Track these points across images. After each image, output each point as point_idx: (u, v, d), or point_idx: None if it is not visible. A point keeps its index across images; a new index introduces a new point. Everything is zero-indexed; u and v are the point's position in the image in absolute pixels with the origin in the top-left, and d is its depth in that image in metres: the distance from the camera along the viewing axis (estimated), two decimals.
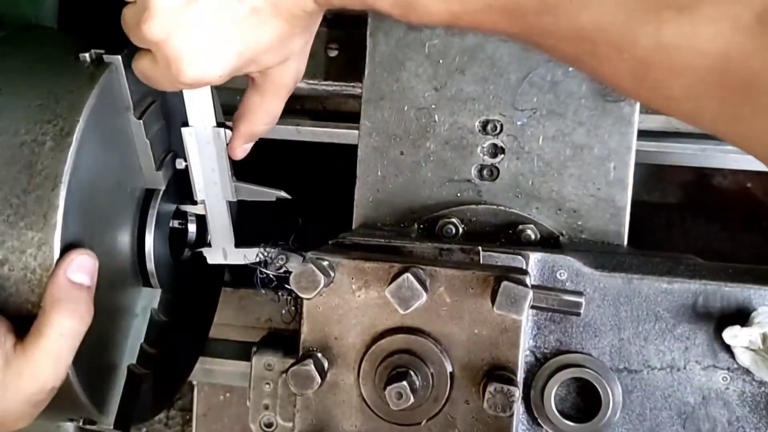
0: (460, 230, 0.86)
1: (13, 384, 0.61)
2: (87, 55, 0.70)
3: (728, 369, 0.72)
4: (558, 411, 0.72)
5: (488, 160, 0.87)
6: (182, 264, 0.88)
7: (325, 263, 0.67)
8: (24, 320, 0.63)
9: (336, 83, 1.02)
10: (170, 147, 0.81)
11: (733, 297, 0.71)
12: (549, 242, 0.85)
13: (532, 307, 0.65)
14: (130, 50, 0.71)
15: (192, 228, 0.89)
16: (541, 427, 0.73)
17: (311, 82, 1.02)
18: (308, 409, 0.72)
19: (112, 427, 0.75)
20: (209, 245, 0.84)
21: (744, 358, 0.69)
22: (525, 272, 0.68)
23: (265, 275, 0.78)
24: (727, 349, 0.71)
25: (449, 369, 0.69)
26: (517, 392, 0.65)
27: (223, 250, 0.84)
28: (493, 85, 0.86)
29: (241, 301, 1.16)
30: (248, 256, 0.81)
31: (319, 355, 0.70)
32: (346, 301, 0.70)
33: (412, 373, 0.67)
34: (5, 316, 0.64)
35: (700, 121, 0.54)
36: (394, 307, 0.64)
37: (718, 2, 0.49)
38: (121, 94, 0.72)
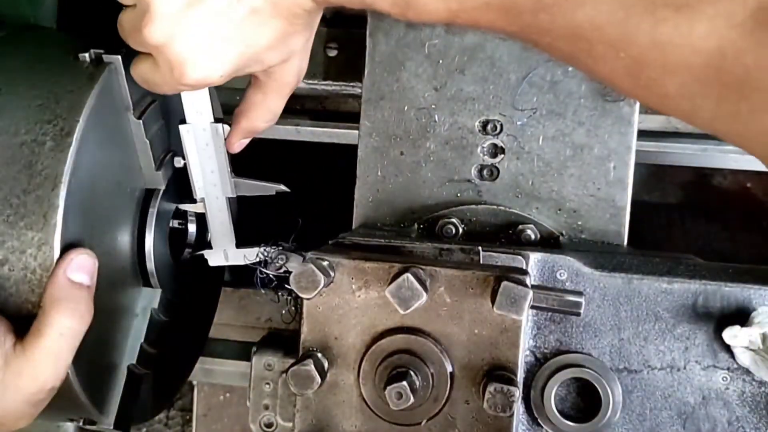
0: (460, 230, 0.86)
1: (13, 384, 0.61)
2: (87, 55, 0.70)
3: (728, 369, 0.72)
4: (558, 411, 0.72)
5: (488, 160, 0.87)
6: (182, 264, 0.88)
7: (325, 263, 0.67)
8: (24, 320, 0.63)
9: (336, 83, 1.02)
10: (170, 147, 0.81)
11: (733, 297, 0.71)
12: (549, 242, 0.85)
13: (532, 307, 0.65)
14: (129, 50, 0.71)
15: (192, 228, 0.89)
16: (541, 427, 0.73)
17: (311, 82, 1.02)
18: (308, 409, 0.72)
19: (112, 427, 0.75)
20: (210, 246, 0.84)
21: (744, 358, 0.69)
22: (525, 272, 0.68)
23: (265, 275, 0.78)
24: (727, 349, 0.71)
25: (449, 369, 0.69)
26: (517, 392, 0.65)
27: (224, 252, 0.84)
28: (493, 85, 0.86)
29: (241, 301, 1.16)
30: (248, 256, 0.81)
31: (319, 355, 0.70)
32: (346, 301, 0.70)
33: (412, 373, 0.67)
34: (5, 316, 0.64)
35: (696, 119, 0.54)
36: (394, 307, 0.64)
37: (714, 1, 0.50)
38: (120, 94, 0.72)
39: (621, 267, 0.75)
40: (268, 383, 0.83)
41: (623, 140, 0.84)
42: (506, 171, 0.86)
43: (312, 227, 0.80)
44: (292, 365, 0.68)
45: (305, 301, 0.70)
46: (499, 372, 0.67)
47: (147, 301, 0.80)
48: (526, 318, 0.71)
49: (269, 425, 0.83)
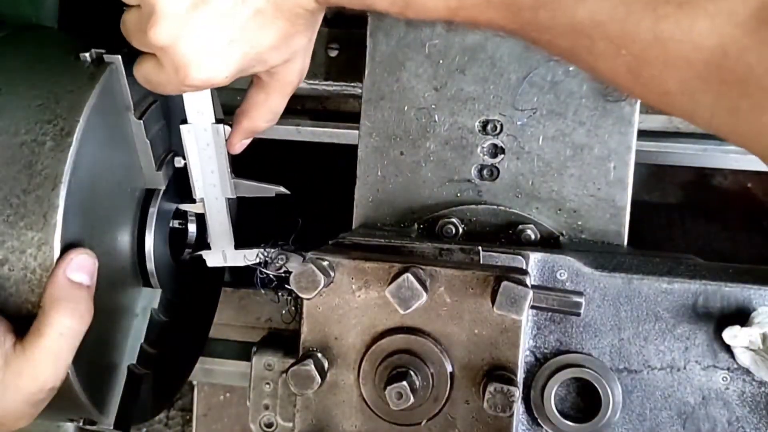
0: (460, 230, 0.86)
1: (13, 384, 0.61)
2: (87, 55, 0.70)
3: (728, 369, 0.72)
4: (558, 411, 0.72)
5: (488, 160, 0.87)
6: (182, 264, 0.88)
7: (325, 263, 0.67)
8: (24, 320, 0.63)
9: (336, 83, 1.02)
10: (171, 147, 0.81)
11: (733, 297, 0.71)
12: (549, 242, 0.85)
13: (532, 307, 0.65)
14: (131, 50, 0.71)
15: (192, 228, 0.89)
16: (541, 427, 0.73)
17: (311, 82, 1.02)
18: (308, 409, 0.72)
19: (112, 427, 0.75)
20: (209, 247, 0.84)
21: (744, 358, 0.69)
22: (525, 272, 0.68)
23: (265, 275, 0.78)
24: (727, 349, 0.71)
25: (449, 369, 0.69)
26: (517, 392, 0.65)
27: (222, 253, 0.84)
28: (493, 85, 0.86)
29: (241, 301, 1.16)
30: (248, 257, 0.81)
31: (319, 355, 0.70)
32: (346, 301, 0.70)
33: (412, 373, 0.67)
34: (5, 316, 0.64)
35: (696, 116, 0.54)
36: (394, 307, 0.64)
37: None
38: (121, 94, 0.72)
39: (621, 267, 0.75)
40: (268, 383, 0.83)
41: (623, 140, 0.84)
42: (506, 171, 0.86)
43: (312, 227, 0.81)
44: (292, 365, 0.68)
45: (305, 301, 0.70)
46: (499, 372, 0.67)
47: (147, 301, 0.80)
48: (526, 318, 0.71)
49: (269, 425, 0.84)
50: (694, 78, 0.51)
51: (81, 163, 0.66)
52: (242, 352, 1.17)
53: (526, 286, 0.62)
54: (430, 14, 0.59)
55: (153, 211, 0.79)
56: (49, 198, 0.64)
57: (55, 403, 0.65)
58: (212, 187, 0.80)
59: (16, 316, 0.64)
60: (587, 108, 0.85)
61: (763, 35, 0.48)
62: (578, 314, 0.67)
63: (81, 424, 0.74)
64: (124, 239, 0.76)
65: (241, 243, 0.85)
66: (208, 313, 1.03)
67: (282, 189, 0.83)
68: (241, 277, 1.11)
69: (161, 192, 0.79)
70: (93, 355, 0.69)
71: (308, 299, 0.70)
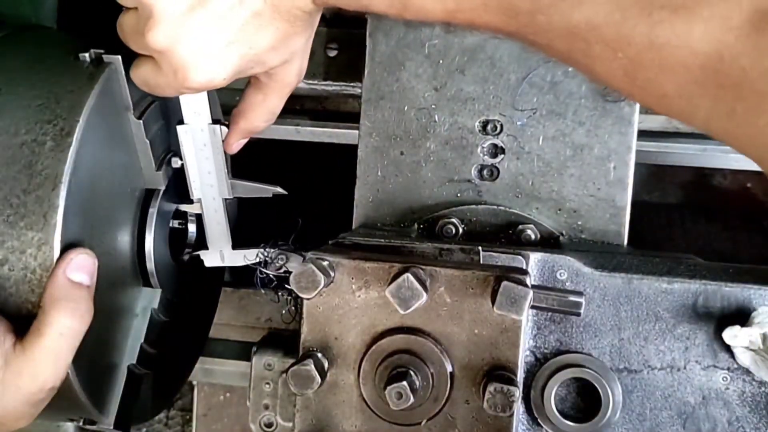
0: (460, 230, 0.86)
1: (13, 383, 0.61)
2: (87, 55, 0.70)
3: (728, 369, 0.72)
4: (558, 411, 0.72)
5: (488, 160, 0.87)
6: (182, 264, 0.88)
7: (325, 263, 0.67)
8: (24, 320, 0.63)
9: (336, 83, 1.02)
10: (170, 147, 0.81)
11: (733, 297, 0.71)
12: (549, 242, 0.85)
13: (532, 307, 0.65)
14: (129, 51, 0.71)
15: (192, 228, 0.89)
16: (541, 427, 0.73)
17: (311, 82, 1.02)
18: (308, 409, 0.72)
19: (112, 427, 0.75)
20: (207, 247, 0.84)
21: (744, 358, 0.69)
22: (525, 272, 0.68)
23: (265, 275, 0.78)
24: (727, 349, 0.71)
25: (449, 369, 0.69)
26: (517, 392, 0.65)
27: (220, 253, 0.84)
28: (493, 85, 0.86)
29: (241, 301, 1.16)
30: (247, 256, 0.81)
31: (319, 355, 0.70)
32: (346, 301, 0.70)
33: (412, 373, 0.67)
34: (5, 316, 0.64)
35: (693, 119, 0.55)
36: (394, 307, 0.64)
37: (710, 3, 0.50)
38: (121, 94, 0.72)
39: (621, 267, 0.75)
40: (268, 383, 0.83)
41: (623, 140, 0.84)
42: (506, 171, 0.86)
43: (312, 227, 0.81)
44: (292, 365, 0.68)
45: (305, 301, 0.70)
46: (499, 372, 0.67)
47: (147, 301, 0.80)
48: (526, 318, 0.71)
49: (269, 425, 0.83)
50: (691, 82, 0.52)
51: (81, 163, 0.66)
52: (242, 352, 1.17)
53: (526, 286, 0.62)
54: (427, 16, 0.59)
55: (153, 211, 0.79)
56: (49, 198, 0.64)
57: (55, 403, 0.65)
58: (209, 187, 0.80)
59: (16, 316, 0.64)
60: (587, 108, 0.85)
61: (757, 40, 0.49)
62: (578, 314, 0.67)
63: (81, 424, 0.74)
64: (124, 239, 0.76)
65: (241, 243, 0.85)
66: (208, 313, 1.03)
67: (279, 189, 0.83)
68: (241, 277, 1.11)
69: (161, 192, 0.79)
70: (93, 355, 0.69)
71: (308, 299, 0.70)
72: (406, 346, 0.69)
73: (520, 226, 0.85)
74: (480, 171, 0.87)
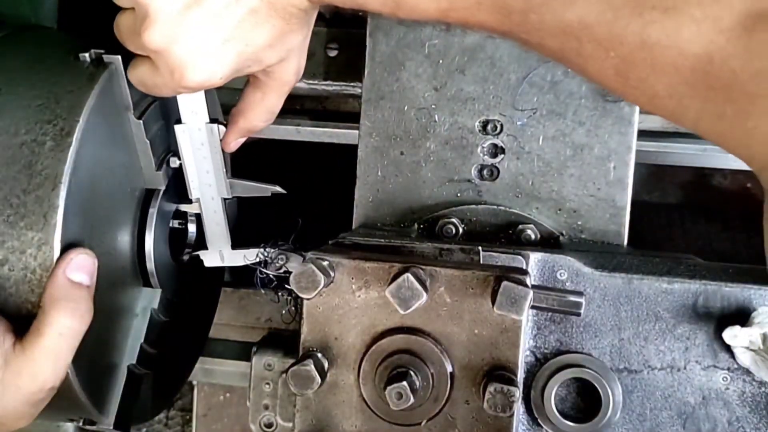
0: (460, 230, 0.86)
1: (13, 383, 0.61)
2: (87, 55, 0.70)
3: (728, 369, 0.72)
4: (558, 411, 0.72)
5: (488, 160, 0.87)
6: (182, 264, 0.88)
7: (325, 263, 0.67)
8: (24, 320, 0.63)
9: (336, 83, 1.02)
10: (170, 147, 0.81)
11: (733, 297, 0.71)
12: (549, 242, 0.85)
13: (532, 307, 0.65)
14: (128, 51, 0.71)
15: (192, 228, 0.89)
16: (541, 427, 0.73)
17: (311, 82, 1.02)
18: (308, 409, 0.72)
19: (112, 427, 0.75)
20: (207, 247, 0.84)
21: (744, 358, 0.69)
22: (525, 272, 0.68)
23: (265, 275, 0.78)
24: (727, 349, 0.71)
25: (449, 369, 0.69)
26: (517, 392, 0.65)
27: (219, 253, 0.84)
28: (493, 85, 0.86)
29: (241, 301, 1.16)
30: (247, 256, 0.81)
31: (319, 355, 0.70)
32: (346, 301, 0.70)
33: (412, 373, 0.67)
34: (5, 316, 0.64)
35: (683, 119, 0.55)
36: (394, 307, 0.64)
37: (702, 4, 0.50)
38: (121, 94, 0.72)
39: (621, 267, 0.75)
40: (268, 383, 0.83)
41: (623, 140, 0.84)
42: (506, 171, 0.86)
43: (312, 227, 0.80)
44: (292, 365, 0.68)
45: (305, 301, 0.70)
46: (499, 372, 0.67)
47: (147, 301, 0.80)
48: (526, 318, 0.71)
49: (269, 425, 0.83)
50: (681, 83, 0.52)
51: (81, 163, 0.66)
52: (242, 352, 1.17)
53: (526, 286, 0.62)
54: (420, 15, 0.59)
55: (153, 211, 0.78)
56: (49, 198, 0.64)
57: (55, 403, 0.65)
58: (208, 187, 0.80)
59: (16, 316, 0.64)
60: (587, 108, 0.85)
61: (747, 42, 0.49)
62: (578, 314, 0.67)
63: (81, 424, 0.74)
64: (124, 239, 0.76)
65: (241, 243, 0.85)
66: (208, 313, 1.03)
67: (278, 188, 0.82)
68: (241, 277, 1.11)
69: (161, 192, 0.79)
70: (93, 355, 0.69)
71: (308, 299, 0.70)
72: (406, 346, 0.69)
73: (520, 226, 0.85)
74: (480, 171, 0.87)
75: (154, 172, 0.78)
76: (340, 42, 1.01)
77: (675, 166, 1.21)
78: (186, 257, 0.88)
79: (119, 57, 0.70)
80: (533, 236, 0.85)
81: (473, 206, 0.87)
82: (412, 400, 0.65)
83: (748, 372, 0.71)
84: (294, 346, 0.73)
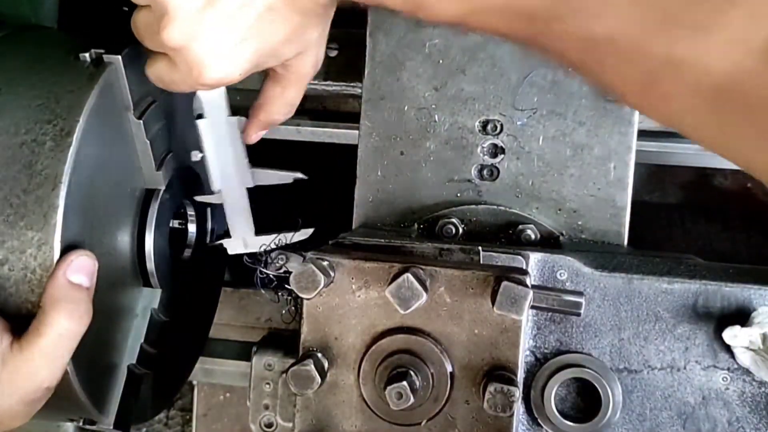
0: (460, 230, 0.86)
1: (9, 382, 0.61)
2: (87, 55, 0.70)
3: (728, 369, 0.72)
4: (558, 411, 0.72)
5: (488, 160, 0.87)
6: (182, 264, 0.88)
7: (325, 263, 0.67)
8: (23, 320, 0.63)
9: (336, 83, 1.02)
10: (170, 147, 0.81)
11: (733, 297, 0.71)
12: (549, 242, 0.85)
13: (532, 307, 0.65)
14: (130, 50, 0.71)
15: (192, 228, 0.89)
16: (541, 427, 0.73)
17: (311, 82, 1.01)
18: (308, 409, 0.72)
19: (112, 427, 0.75)
20: (228, 236, 0.84)
21: (744, 358, 0.69)
22: (525, 272, 0.68)
23: (265, 275, 0.78)
24: (727, 349, 0.71)
25: (449, 369, 0.69)
26: (517, 392, 0.65)
27: (243, 240, 0.83)
28: (493, 85, 0.86)
29: (241, 301, 1.16)
30: (265, 243, 0.80)
31: (319, 355, 0.70)
32: (346, 301, 0.70)
33: (412, 373, 0.67)
34: (5, 316, 0.64)
35: (702, 138, 0.54)
36: (394, 307, 0.64)
37: (732, 25, 0.50)
38: (121, 94, 0.72)
39: (621, 267, 0.75)
40: (268, 383, 0.83)
41: (623, 140, 0.84)
42: (506, 171, 0.86)
43: (312, 227, 0.81)
44: (292, 365, 0.68)
45: (305, 301, 0.70)
46: (499, 372, 0.67)
47: (147, 301, 0.80)
48: (526, 318, 0.71)
49: (269, 425, 0.83)
50: (704, 101, 0.51)
51: (81, 163, 0.66)
52: (242, 352, 1.17)
53: (526, 286, 0.62)
54: (439, 17, 0.59)
55: (153, 211, 0.79)
56: (49, 198, 0.64)
57: (55, 402, 0.65)
58: (230, 177, 0.80)
59: (16, 316, 0.64)
60: (587, 108, 0.84)
61: None
62: (578, 314, 0.67)
63: (81, 424, 0.74)
64: (124, 239, 0.76)
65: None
66: (208, 313, 1.03)
67: (300, 175, 0.83)
68: (241, 277, 1.11)
69: (161, 192, 0.79)
70: (93, 355, 0.69)
71: (308, 299, 0.70)
72: (406, 346, 0.69)
73: (520, 226, 0.85)
74: (480, 171, 0.87)
75: (154, 172, 0.78)
76: (340, 42, 1.01)
77: (675, 166, 1.21)
78: (187, 256, 0.88)
79: (119, 57, 0.70)
80: (533, 236, 0.85)
81: (473, 206, 0.87)
82: (412, 400, 0.65)
83: (748, 372, 0.71)
84: (294, 346, 0.73)
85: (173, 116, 0.82)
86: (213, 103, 0.76)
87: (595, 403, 0.72)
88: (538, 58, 0.85)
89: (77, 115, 0.66)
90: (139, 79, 0.72)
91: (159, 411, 1.16)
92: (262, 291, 0.79)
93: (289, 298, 0.83)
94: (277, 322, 1.15)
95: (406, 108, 0.88)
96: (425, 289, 0.64)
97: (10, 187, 0.65)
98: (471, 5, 0.57)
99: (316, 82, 1.02)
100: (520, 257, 0.72)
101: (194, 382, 1.38)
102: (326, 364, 0.70)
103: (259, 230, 0.82)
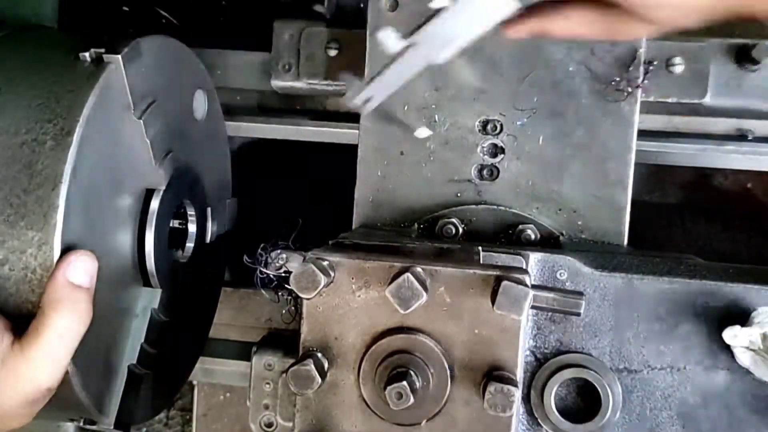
0: (460, 230, 0.86)
1: (10, 383, 0.61)
2: (87, 54, 0.70)
3: (728, 369, 0.72)
4: (558, 411, 0.72)
5: (488, 160, 0.87)
6: (182, 264, 0.88)
7: (325, 263, 0.67)
8: (23, 320, 0.63)
9: (336, 83, 1.02)
10: (170, 147, 0.81)
11: (733, 297, 0.71)
12: (549, 242, 0.85)
13: (532, 307, 0.65)
14: (130, 50, 0.71)
15: (192, 228, 0.89)
16: (541, 427, 0.73)
17: (311, 82, 1.02)
18: (308, 409, 0.72)
19: (112, 427, 0.75)
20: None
21: (744, 358, 0.69)
22: (525, 272, 0.68)
23: (265, 275, 0.78)
24: (727, 349, 0.71)
25: (449, 369, 0.69)
26: (517, 392, 0.65)
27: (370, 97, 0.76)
28: (494, 85, 0.86)
29: (241, 301, 1.16)
30: None
31: (319, 355, 0.70)
32: (346, 301, 0.70)
33: (412, 373, 0.67)
34: (5, 315, 0.64)
35: None
36: (394, 307, 0.64)
37: None
38: (121, 94, 0.72)
39: (621, 267, 0.75)
40: (268, 383, 0.83)
41: (623, 140, 0.84)
42: (506, 171, 0.86)
43: (312, 227, 0.80)
44: (292, 365, 0.68)
45: (305, 301, 0.70)
46: (499, 372, 0.67)
47: (147, 301, 0.80)
48: (526, 318, 0.71)
49: (269, 425, 0.84)
50: None
51: (81, 163, 0.66)
52: (242, 352, 1.17)
53: (526, 286, 0.62)
54: None
55: (153, 210, 0.78)
56: (49, 198, 0.64)
57: (55, 403, 0.65)
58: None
59: (16, 316, 0.64)
60: (587, 108, 0.85)
61: None
62: (578, 314, 0.67)
63: (81, 424, 0.74)
64: (124, 239, 0.76)
65: (241, 243, 0.85)
66: (208, 313, 1.03)
67: None
68: (241, 277, 1.11)
69: (161, 191, 0.79)
70: (93, 355, 0.69)
71: (308, 299, 0.70)
72: (406, 346, 0.69)
73: (520, 226, 0.85)
74: (480, 171, 0.87)
75: (155, 172, 0.78)
76: (340, 42, 1.01)
77: (675, 166, 1.21)
78: (187, 256, 0.88)
79: (119, 57, 0.70)
80: (533, 236, 0.85)
81: (473, 206, 0.87)
82: (412, 400, 0.65)
83: (748, 372, 0.71)
84: (294, 346, 0.72)
85: (173, 116, 0.82)
86: None
87: (595, 403, 0.72)
88: (537, 58, 0.85)
89: (77, 115, 0.66)
90: (139, 79, 0.72)
91: (159, 411, 1.16)
92: (262, 291, 0.79)
93: (289, 298, 0.84)
94: (277, 322, 1.15)
95: (406, 108, 0.88)
96: (425, 289, 0.64)
97: (10, 187, 0.65)
98: None
99: (316, 82, 1.02)
100: (520, 257, 0.72)
101: (194, 382, 1.38)
102: (326, 364, 0.70)
103: (260, 233, 0.82)
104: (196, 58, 0.89)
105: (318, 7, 1.07)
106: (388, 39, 0.71)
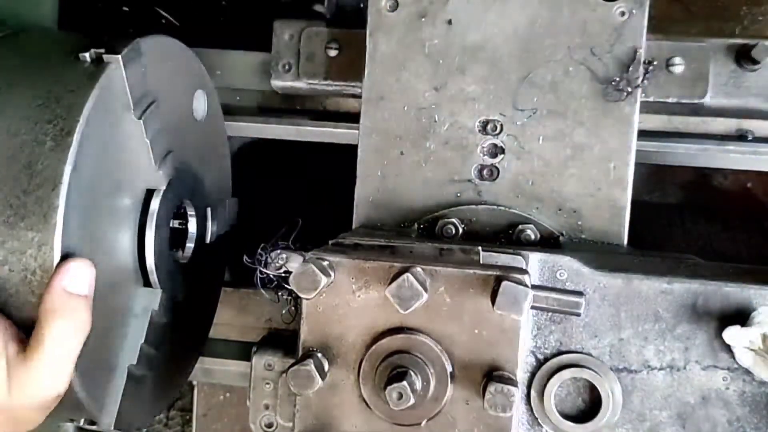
0: (460, 230, 0.86)
1: (19, 390, 0.62)
2: (87, 55, 0.70)
3: (728, 369, 0.72)
4: (558, 411, 0.72)
5: (488, 160, 0.87)
6: (182, 264, 0.88)
7: (325, 263, 0.67)
8: (24, 320, 0.63)
9: (336, 83, 1.02)
10: (170, 147, 0.81)
11: (733, 297, 0.71)
12: (549, 242, 0.85)
13: (532, 307, 0.65)
14: (130, 50, 0.71)
15: (192, 228, 0.89)
16: (541, 427, 0.73)
17: (311, 82, 1.02)
18: (308, 409, 0.72)
19: (112, 427, 0.75)
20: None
21: (744, 358, 0.69)
22: (525, 272, 0.68)
23: (265, 275, 0.78)
24: (727, 349, 0.71)
25: (449, 369, 0.69)
26: (517, 392, 0.65)
27: None
28: (493, 85, 0.86)
29: (241, 301, 1.16)
30: None
31: (319, 355, 0.70)
32: (346, 301, 0.70)
33: (412, 373, 0.67)
34: (5, 316, 0.64)
35: None
36: (394, 307, 0.64)
37: None
38: (121, 94, 0.72)
39: (621, 267, 0.75)
40: (268, 383, 0.83)
41: (623, 140, 0.84)
42: (506, 171, 0.86)
43: (312, 227, 0.80)
44: (292, 365, 0.68)
45: (305, 301, 0.70)
46: (499, 372, 0.68)
47: (147, 301, 0.80)
48: (526, 318, 0.71)
49: (269, 425, 0.84)
50: None
51: (81, 163, 0.66)
52: (242, 352, 1.17)
53: (526, 286, 0.62)
54: None
55: (153, 211, 0.78)
56: (49, 198, 0.64)
57: None
58: None
59: (16, 317, 0.64)
60: (587, 108, 0.84)
61: None
62: (578, 314, 0.67)
63: (81, 424, 0.74)
64: (124, 239, 0.76)
65: (241, 243, 0.85)
66: (208, 313, 1.03)
67: None
68: (241, 277, 1.11)
69: (161, 191, 0.79)
70: (93, 355, 0.69)
71: (308, 299, 0.70)
72: (406, 346, 0.69)
73: (520, 226, 0.85)
74: (480, 171, 0.87)
75: (155, 172, 0.78)
76: (340, 42, 1.01)
77: (675, 166, 1.21)
78: (187, 256, 0.88)
79: (119, 57, 0.70)
80: (533, 236, 0.85)
81: (473, 206, 0.87)
82: (412, 400, 0.65)
83: (748, 372, 0.71)
84: (294, 346, 0.73)
85: (173, 116, 0.82)
86: None
87: (595, 403, 0.72)
88: (537, 58, 0.85)
89: (77, 115, 0.66)
90: (139, 79, 0.72)
91: (159, 411, 1.16)
92: (262, 291, 0.79)
93: (289, 298, 0.83)
94: (277, 322, 1.15)
95: (406, 108, 0.88)
96: (425, 289, 0.64)
97: (10, 187, 0.65)
98: None
99: (315, 82, 1.02)
100: (520, 257, 0.72)
101: (194, 382, 1.38)
102: (326, 364, 0.70)
103: (260, 233, 0.82)
104: (196, 58, 0.89)
105: (318, 7, 1.07)
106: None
